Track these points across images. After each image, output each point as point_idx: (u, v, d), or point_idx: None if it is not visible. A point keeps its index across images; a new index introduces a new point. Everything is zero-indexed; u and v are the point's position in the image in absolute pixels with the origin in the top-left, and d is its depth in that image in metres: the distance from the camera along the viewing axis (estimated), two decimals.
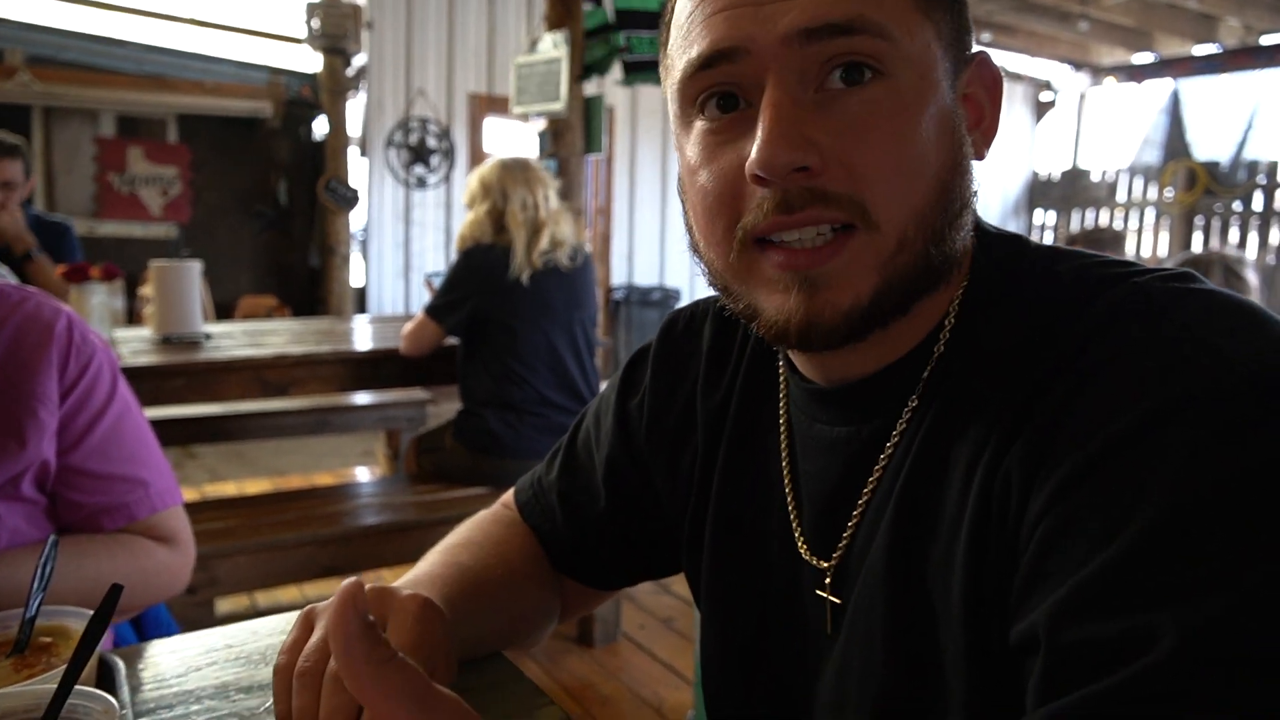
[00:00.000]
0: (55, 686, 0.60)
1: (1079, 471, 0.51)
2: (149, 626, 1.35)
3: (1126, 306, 0.56)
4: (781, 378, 0.75)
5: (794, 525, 0.72)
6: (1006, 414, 0.57)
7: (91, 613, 0.66)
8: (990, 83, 0.65)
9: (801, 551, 0.71)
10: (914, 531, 0.61)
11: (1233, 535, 0.45)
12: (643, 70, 3.61)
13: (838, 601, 0.68)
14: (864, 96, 0.57)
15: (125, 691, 0.72)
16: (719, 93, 0.60)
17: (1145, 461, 0.49)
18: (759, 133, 0.57)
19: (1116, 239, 4.23)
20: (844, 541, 0.67)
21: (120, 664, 0.75)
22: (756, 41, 0.57)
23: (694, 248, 0.66)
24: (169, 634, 1.35)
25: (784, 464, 0.73)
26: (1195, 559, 0.45)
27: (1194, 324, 0.53)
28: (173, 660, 0.83)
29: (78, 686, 0.61)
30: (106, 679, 0.73)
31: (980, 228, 0.67)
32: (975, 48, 0.65)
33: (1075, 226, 8.66)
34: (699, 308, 0.87)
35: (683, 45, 0.61)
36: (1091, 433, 0.51)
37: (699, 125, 0.62)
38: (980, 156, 0.64)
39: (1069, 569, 0.49)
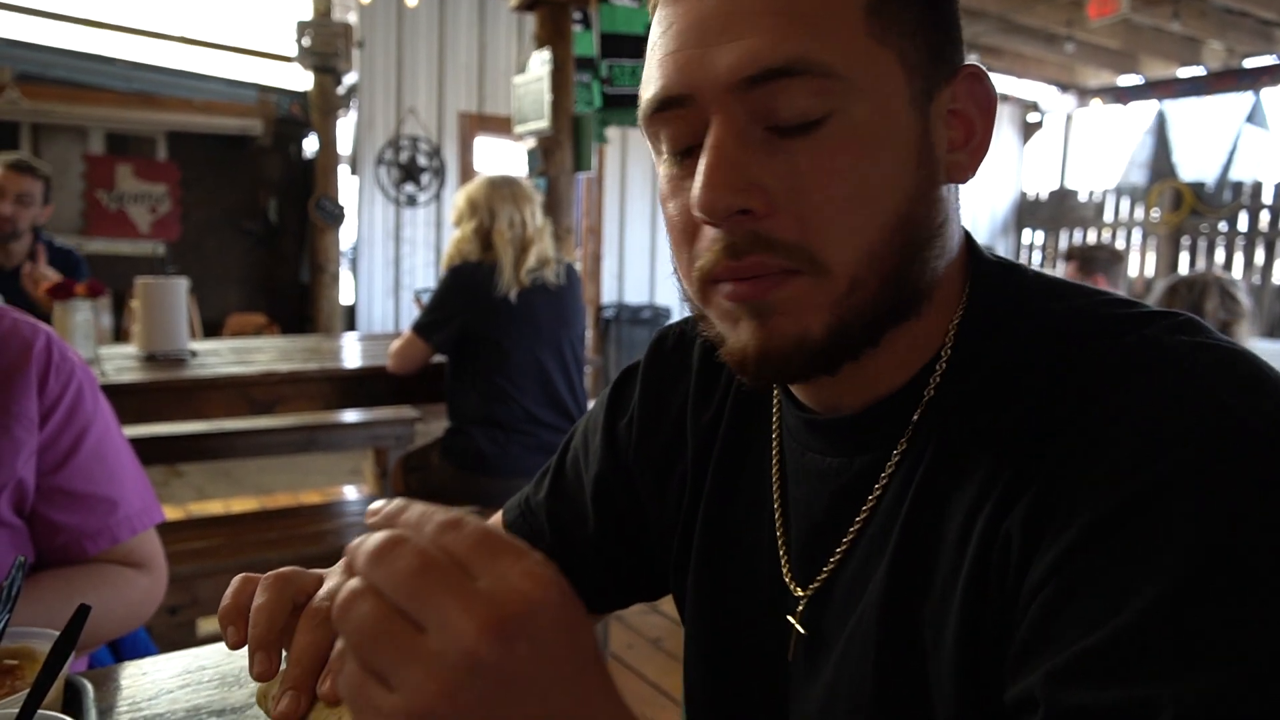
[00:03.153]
0: (18, 711, 0.59)
1: (1086, 536, 0.49)
2: (125, 648, 1.33)
3: (1137, 361, 0.54)
4: (775, 401, 0.74)
5: (781, 551, 0.71)
6: (1008, 466, 0.55)
7: (57, 634, 0.64)
8: (983, 98, 0.62)
9: (785, 577, 0.70)
10: (908, 579, 0.60)
11: (1239, 609, 0.45)
12: (621, 106, 3.59)
13: (803, 631, 0.67)
14: (812, 135, 0.56)
15: (93, 715, 0.70)
16: (673, 132, 0.60)
17: (1155, 529, 0.47)
18: (698, 175, 0.56)
19: (1115, 257, 4.24)
20: (824, 574, 0.66)
21: (89, 686, 0.73)
22: (701, 89, 0.57)
23: (675, 271, 0.66)
24: (146, 655, 1.32)
25: (775, 489, 0.72)
26: (1199, 633, 0.45)
27: (1207, 383, 0.51)
28: (144, 682, 0.81)
29: (42, 711, 0.60)
30: (74, 702, 0.71)
31: (975, 253, 0.65)
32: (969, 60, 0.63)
33: (1063, 247, 8.70)
34: (689, 325, 0.86)
35: (645, 80, 0.62)
36: (1100, 496, 0.50)
37: (664, 158, 0.62)
38: (965, 178, 0.62)
39: (1073, 635, 0.48)
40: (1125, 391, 0.53)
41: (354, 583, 0.41)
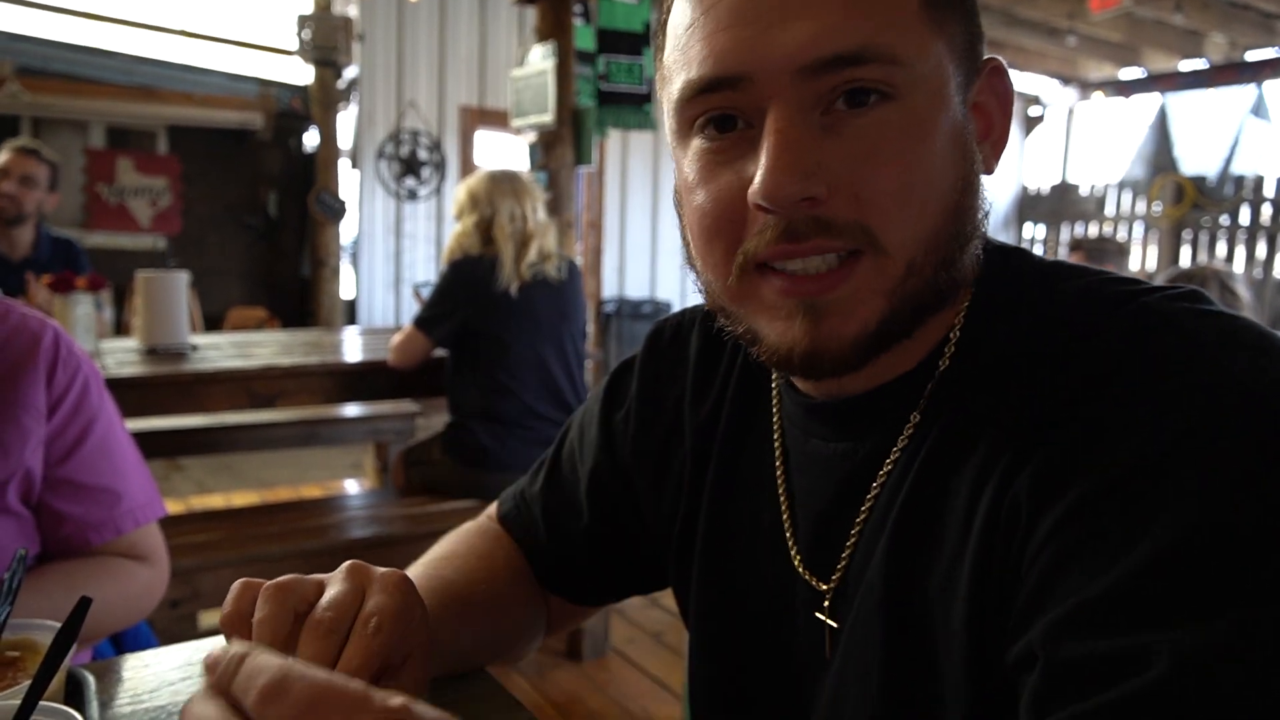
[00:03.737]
0: (19, 702, 0.59)
1: (1088, 498, 0.50)
2: (128, 641, 1.33)
3: (1140, 329, 0.54)
4: (775, 390, 0.74)
5: (789, 541, 0.70)
6: (1014, 439, 0.55)
7: (59, 626, 0.64)
8: (1002, 91, 0.63)
9: (798, 569, 0.69)
10: (913, 556, 0.59)
11: (1239, 567, 0.45)
12: (617, 104, 3.56)
13: (835, 625, 0.66)
14: (872, 119, 0.55)
15: (94, 707, 0.70)
16: (717, 115, 0.58)
17: (1157, 491, 0.48)
18: (763, 160, 0.54)
19: (1121, 250, 4.26)
20: (842, 562, 0.66)
21: (90, 678, 0.73)
22: (761, 71, 0.55)
23: (691, 264, 0.64)
24: (148, 648, 1.33)
25: (779, 479, 0.72)
26: (1198, 585, 0.45)
27: (1211, 348, 0.51)
28: (146, 674, 0.81)
29: (43, 702, 0.60)
30: (76, 695, 0.71)
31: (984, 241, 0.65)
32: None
33: (1065, 240, 8.69)
34: (685, 317, 0.85)
35: (681, 61, 0.59)
36: (1103, 460, 0.50)
37: (696, 143, 0.60)
38: (990, 170, 0.62)
39: (1070, 590, 0.48)
40: (1129, 359, 0.53)
41: None
